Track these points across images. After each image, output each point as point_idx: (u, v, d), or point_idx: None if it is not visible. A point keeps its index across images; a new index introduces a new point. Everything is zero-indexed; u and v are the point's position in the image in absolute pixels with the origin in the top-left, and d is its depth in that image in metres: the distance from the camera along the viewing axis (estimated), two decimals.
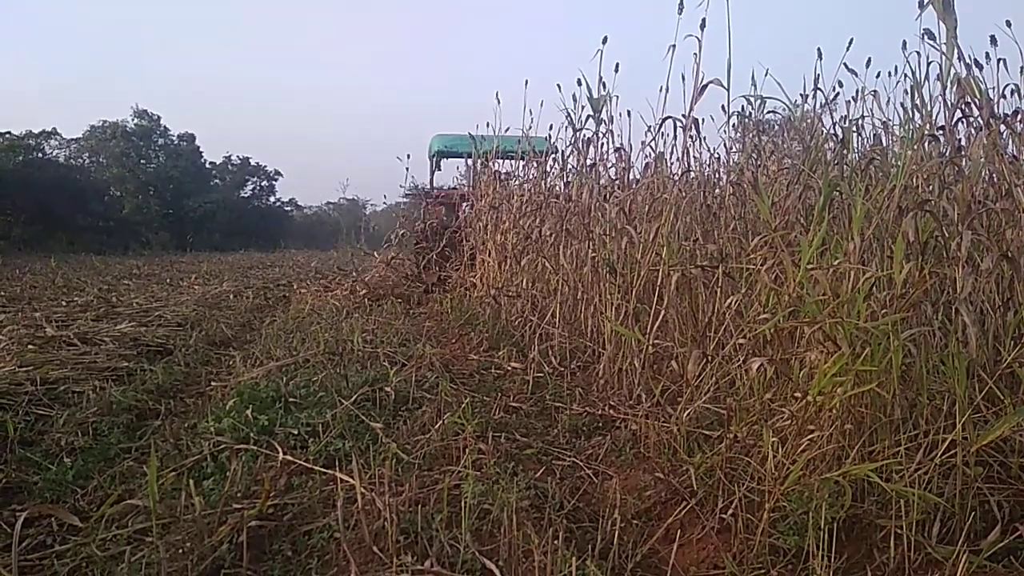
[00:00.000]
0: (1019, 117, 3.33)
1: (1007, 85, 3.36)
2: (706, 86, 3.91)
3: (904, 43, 3.66)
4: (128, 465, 3.43)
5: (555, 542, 2.33)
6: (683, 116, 4.16)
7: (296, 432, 3.71)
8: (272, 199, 48.52)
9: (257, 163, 46.81)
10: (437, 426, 3.55)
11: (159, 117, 41.04)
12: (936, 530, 2.31)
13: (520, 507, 2.54)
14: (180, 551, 2.37)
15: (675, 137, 4.56)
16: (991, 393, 2.50)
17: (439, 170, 12.26)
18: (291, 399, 4.18)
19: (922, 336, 2.49)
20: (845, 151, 3.25)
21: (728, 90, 3.81)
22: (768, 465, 2.40)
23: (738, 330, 3.33)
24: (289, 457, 3.12)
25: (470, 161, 10.87)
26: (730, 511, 2.53)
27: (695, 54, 3.91)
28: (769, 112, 4.44)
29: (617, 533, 2.44)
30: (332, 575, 2.32)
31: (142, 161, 40.30)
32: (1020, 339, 2.70)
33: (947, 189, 2.70)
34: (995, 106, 3.12)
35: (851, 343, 2.42)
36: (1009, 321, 2.81)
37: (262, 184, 47.56)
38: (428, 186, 12.14)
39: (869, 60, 3.94)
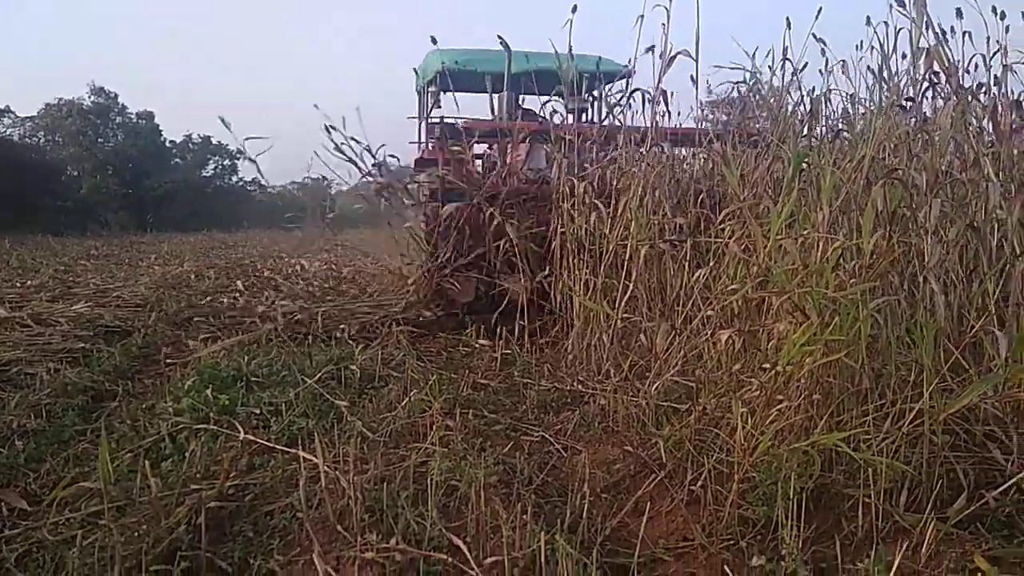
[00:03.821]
0: (983, 89, 3.34)
1: (972, 56, 3.36)
2: (674, 57, 3.86)
3: (868, 18, 3.65)
4: (83, 447, 3.32)
5: (523, 517, 2.29)
6: (652, 88, 4.11)
7: (258, 411, 3.63)
8: (235, 179, 47.59)
9: (219, 142, 45.84)
10: (403, 403, 3.49)
11: (116, 95, 39.92)
12: (904, 498, 2.31)
13: (488, 483, 2.50)
14: (135, 534, 2.28)
15: (643, 110, 4.51)
16: (956, 363, 2.51)
17: (438, 107, 7.51)
18: (253, 378, 4.08)
19: (889, 306, 2.49)
20: (814, 122, 3.22)
21: (696, 61, 3.77)
22: (737, 436, 2.37)
23: (706, 303, 3.31)
24: (250, 436, 3.03)
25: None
26: (699, 483, 2.52)
27: (663, 24, 3.86)
28: (738, 83, 4.41)
29: (586, 507, 2.40)
30: (295, 555, 2.25)
31: (99, 140, 39.18)
32: (984, 310, 2.71)
33: (916, 158, 2.69)
34: (961, 78, 3.12)
35: (820, 313, 2.40)
36: (973, 292, 2.82)
37: (224, 163, 46.60)
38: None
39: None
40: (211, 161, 46.07)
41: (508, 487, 2.63)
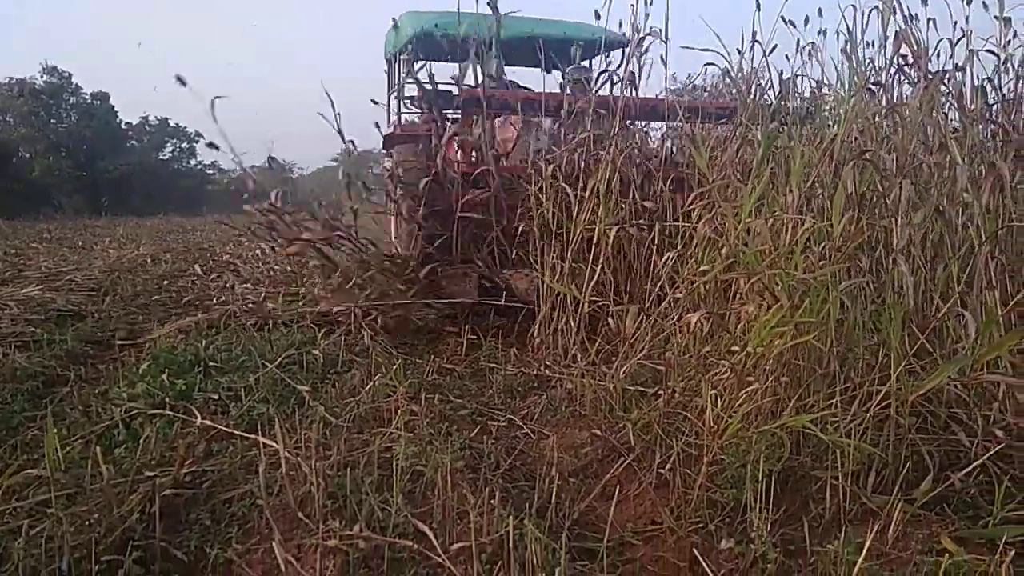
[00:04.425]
0: (948, 75, 3.35)
1: (939, 41, 3.37)
2: (643, 38, 3.82)
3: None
4: (32, 434, 3.18)
5: (491, 502, 2.24)
6: (620, 70, 4.07)
7: (216, 397, 3.52)
8: (193, 162, 46.65)
9: (177, 124, 44.87)
10: (368, 388, 3.41)
11: (70, 75, 38.80)
12: (871, 480, 2.31)
13: (454, 468, 2.45)
14: (86, 523, 2.18)
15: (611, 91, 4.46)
16: (921, 345, 2.51)
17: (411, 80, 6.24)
18: (211, 363, 3.97)
19: (858, 288, 2.48)
20: (783, 103, 3.20)
21: (666, 43, 3.73)
22: (706, 418, 2.35)
23: (674, 286, 3.29)
24: (208, 422, 2.94)
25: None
26: (668, 466, 2.49)
27: (632, 5, 3.81)
28: (708, 64, 4.38)
29: (554, 491, 2.37)
30: (253, 544, 2.17)
31: (52, 121, 38.06)
32: (948, 294, 2.72)
33: (886, 139, 2.68)
34: (928, 63, 3.12)
35: (789, 295, 2.39)
36: (938, 275, 2.84)
37: (182, 146, 45.66)
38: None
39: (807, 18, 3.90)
40: (168, 144, 45.15)
41: (475, 472, 2.58)
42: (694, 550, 2.14)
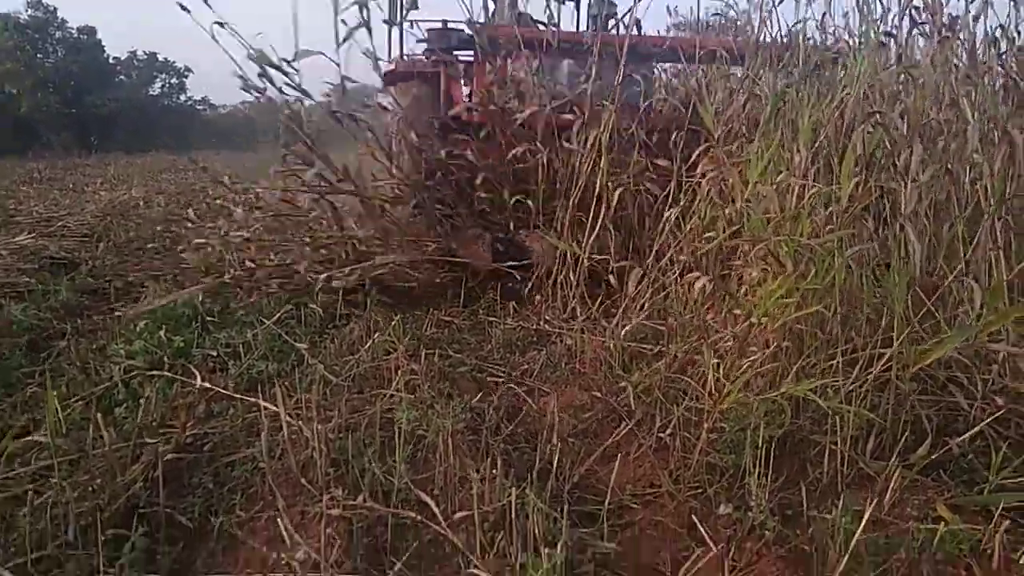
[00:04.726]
0: (959, 26, 3.25)
1: None
2: None
3: None
4: (32, 391, 3.18)
5: (493, 470, 2.25)
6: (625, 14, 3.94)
7: (215, 354, 3.52)
8: (183, 97, 45.75)
9: (165, 59, 43.83)
10: (367, 346, 3.40)
11: (55, 8, 37.72)
12: (870, 446, 2.32)
13: (455, 430, 2.45)
14: (90, 490, 2.20)
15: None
16: (925, 309, 2.50)
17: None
18: (208, 318, 3.95)
19: (864, 253, 2.45)
20: (792, 57, 3.11)
21: None
22: (708, 384, 2.35)
23: (677, 244, 3.26)
24: (207, 384, 2.93)
25: None
26: (668, 431, 2.50)
27: None
28: (714, 15, 4.25)
29: (556, 455, 2.37)
30: (257, 512, 2.19)
31: (39, 56, 37.14)
32: (953, 256, 2.70)
33: (898, 101, 2.61)
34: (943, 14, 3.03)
35: (795, 261, 2.36)
36: (944, 235, 2.81)
37: (171, 81, 44.67)
38: None
39: None
40: (158, 79, 44.22)
41: (476, 435, 2.59)
42: (692, 516, 2.16)
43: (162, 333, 3.57)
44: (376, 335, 3.64)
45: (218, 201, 9.85)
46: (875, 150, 2.50)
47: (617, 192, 3.65)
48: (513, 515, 1.99)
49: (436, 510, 2.01)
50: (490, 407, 2.92)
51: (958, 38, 2.93)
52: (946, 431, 2.39)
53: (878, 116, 2.44)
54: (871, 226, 2.57)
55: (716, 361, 2.35)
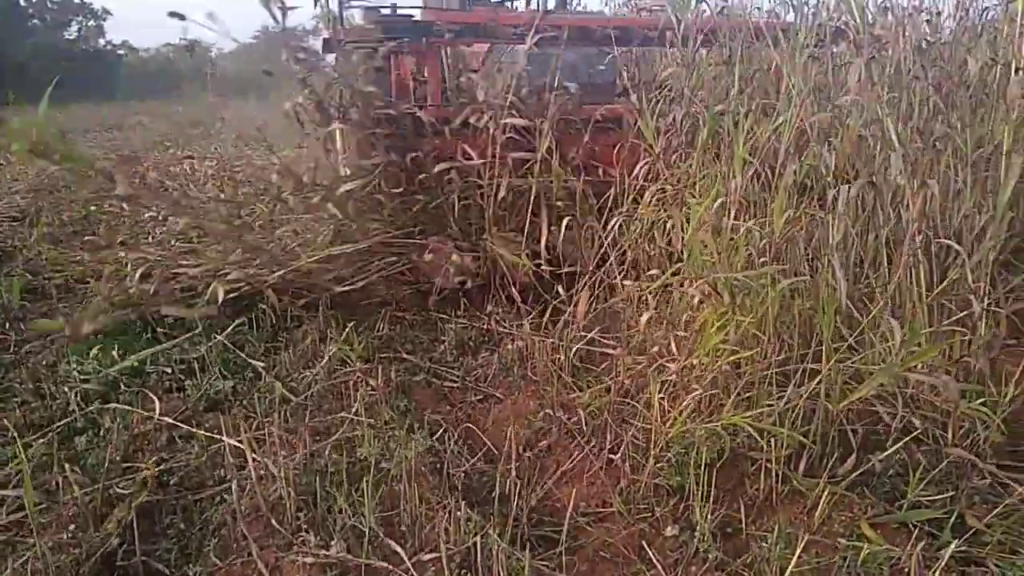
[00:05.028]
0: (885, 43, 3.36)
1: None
2: None
3: None
4: None
5: (455, 502, 2.39)
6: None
7: (170, 371, 3.55)
8: (102, 41, 43.55)
9: (82, 0, 41.49)
10: (323, 362, 3.47)
11: None
12: (802, 464, 2.53)
13: (417, 463, 2.58)
14: (67, 543, 2.26)
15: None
16: (856, 321, 2.69)
17: None
18: (159, 329, 3.94)
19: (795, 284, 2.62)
20: (728, 73, 3.21)
21: None
22: (654, 414, 2.52)
23: (618, 250, 3.39)
24: (168, 420, 2.97)
25: None
26: (618, 452, 2.67)
27: None
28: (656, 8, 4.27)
29: (514, 486, 2.52)
30: (232, 558, 2.28)
31: None
32: (878, 266, 2.90)
33: (827, 143, 2.75)
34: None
35: (731, 294, 2.51)
36: (869, 244, 3.00)
37: (89, 24, 42.44)
38: None
39: None
40: (73, 22, 41.88)
41: (437, 465, 2.71)
42: (643, 541, 2.34)
43: (115, 352, 3.57)
44: (330, 343, 3.71)
45: (152, 175, 9.57)
46: (805, 178, 2.65)
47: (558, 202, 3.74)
48: (478, 555, 2.14)
49: (405, 557, 2.14)
50: (448, 426, 3.05)
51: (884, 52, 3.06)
52: (871, 445, 2.61)
53: (809, 151, 2.57)
54: (802, 250, 2.74)
55: (661, 397, 2.52)
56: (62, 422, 3.02)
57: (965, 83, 3.40)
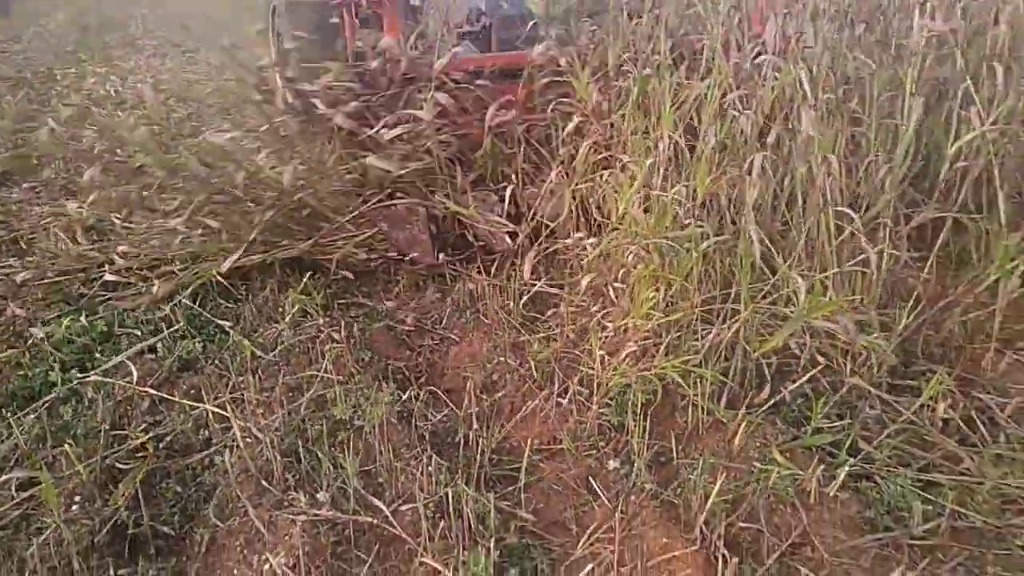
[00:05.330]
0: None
1: None
2: None
3: None
4: None
5: (425, 452, 2.73)
6: None
7: (139, 333, 3.71)
8: None
9: None
10: (287, 319, 3.66)
11: None
12: (723, 399, 2.91)
13: (388, 421, 2.88)
14: (80, 521, 2.51)
15: None
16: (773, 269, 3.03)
17: None
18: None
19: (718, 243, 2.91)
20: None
21: None
22: (596, 366, 2.86)
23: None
24: (149, 390, 3.18)
25: None
26: (566, 397, 3.01)
27: None
28: None
29: (473, 435, 2.85)
30: (229, 516, 2.57)
31: None
32: (793, 217, 3.21)
33: (746, 110, 2.97)
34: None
35: (661, 254, 2.81)
36: (785, 192, 3.29)
37: None
38: None
39: None
40: None
41: (404, 414, 3.02)
42: (589, 477, 2.71)
43: (83, 319, 3.71)
44: (289, 291, 3.89)
45: (74, 98, 9.09)
46: (725, 136, 2.90)
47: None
48: (449, 503, 2.48)
49: (386, 511, 2.47)
50: (410, 373, 3.35)
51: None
52: (783, 376, 3.00)
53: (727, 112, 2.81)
54: (724, 206, 3.03)
55: (601, 353, 2.85)
56: (49, 397, 3.20)
57: (875, 24, 3.65)
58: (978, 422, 2.83)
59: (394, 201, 3.99)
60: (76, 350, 3.55)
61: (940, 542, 2.41)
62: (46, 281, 4.18)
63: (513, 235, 3.83)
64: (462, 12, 4.83)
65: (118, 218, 4.52)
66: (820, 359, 2.94)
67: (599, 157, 3.30)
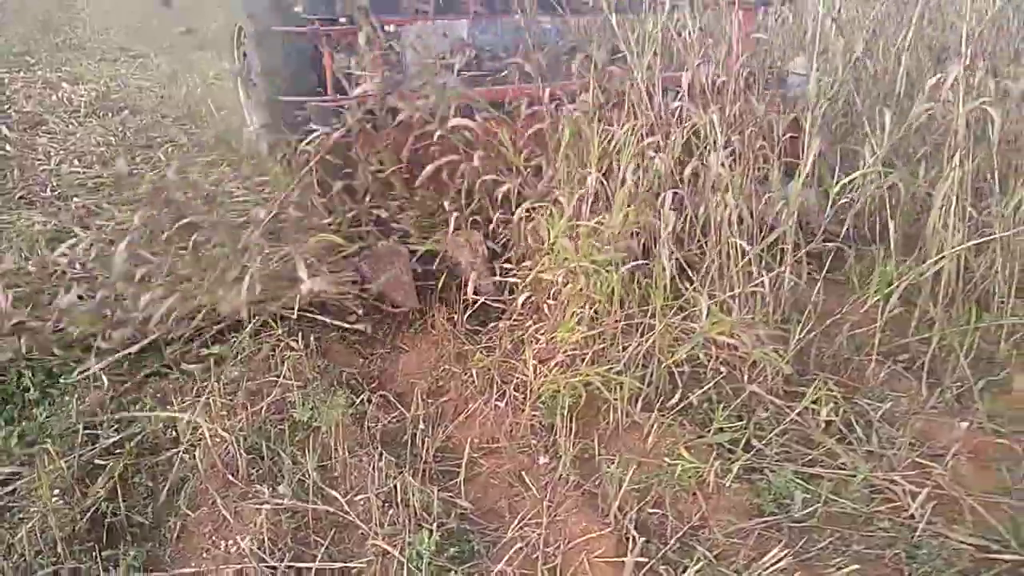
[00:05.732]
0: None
1: None
2: None
3: None
4: None
5: (376, 450, 3.07)
6: None
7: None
8: None
9: None
10: (248, 328, 3.94)
11: None
12: (640, 403, 3.32)
13: (343, 423, 3.21)
14: (62, 511, 2.78)
15: None
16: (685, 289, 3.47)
17: None
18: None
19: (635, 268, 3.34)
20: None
21: None
22: (530, 371, 3.25)
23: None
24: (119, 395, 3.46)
25: None
26: (503, 401, 3.39)
27: None
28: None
29: (419, 434, 3.21)
30: (198, 506, 2.87)
31: None
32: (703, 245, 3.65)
33: (659, 153, 3.42)
34: None
35: (586, 276, 3.22)
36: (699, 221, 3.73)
37: None
38: None
39: None
40: None
41: (358, 416, 3.36)
42: (522, 472, 3.09)
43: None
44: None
45: (26, 106, 9.12)
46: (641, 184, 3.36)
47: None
48: (398, 494, 2.83)
49: (343, 500, 2.81)
50: (363, 380, 3.69)
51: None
52: (692, 383, 3.43)
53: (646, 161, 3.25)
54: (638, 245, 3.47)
55: (535, 363, 3.24)
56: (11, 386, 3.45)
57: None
58: (855, 424, 3.29)
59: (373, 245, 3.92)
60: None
61: (816, 524, 2.86)
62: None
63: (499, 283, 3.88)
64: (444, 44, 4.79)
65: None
66: (723, 368, 3.38)
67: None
